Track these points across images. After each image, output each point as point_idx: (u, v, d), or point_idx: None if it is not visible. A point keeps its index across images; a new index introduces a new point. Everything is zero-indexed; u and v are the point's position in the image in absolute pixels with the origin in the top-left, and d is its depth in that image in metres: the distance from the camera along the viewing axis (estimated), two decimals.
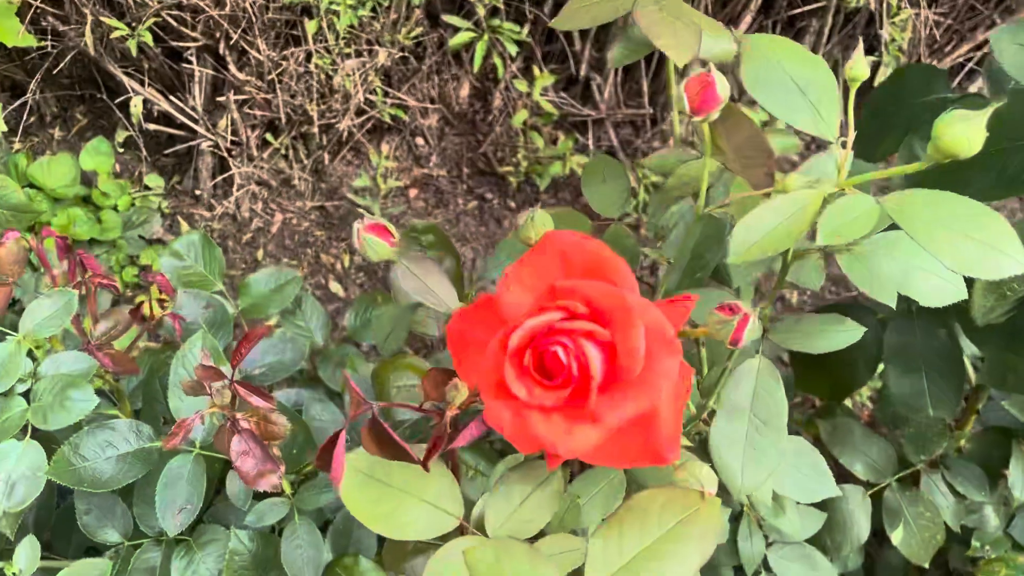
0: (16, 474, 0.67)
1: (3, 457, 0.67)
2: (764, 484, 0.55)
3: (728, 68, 0.51)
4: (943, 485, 0.93)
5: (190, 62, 1.57)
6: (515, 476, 0.48)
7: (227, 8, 1.47)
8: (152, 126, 1.66)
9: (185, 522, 0.72)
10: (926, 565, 0.94)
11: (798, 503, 0.85)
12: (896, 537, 0.92)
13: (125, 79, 1.59)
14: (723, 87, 0.44)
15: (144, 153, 1.74)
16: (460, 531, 0.48)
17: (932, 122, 0.69)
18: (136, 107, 1.55)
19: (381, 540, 0.79)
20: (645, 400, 0.40)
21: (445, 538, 0.47)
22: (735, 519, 0.83)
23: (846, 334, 0.52)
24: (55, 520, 0.86)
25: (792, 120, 0.45)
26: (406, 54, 1.74)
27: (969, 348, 0.87)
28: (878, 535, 1.18)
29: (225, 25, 1.50)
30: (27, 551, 0.71)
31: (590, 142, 1.87)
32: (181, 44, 1.55)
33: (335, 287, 1.71)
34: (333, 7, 1.44)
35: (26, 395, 0.70)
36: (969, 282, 0.66)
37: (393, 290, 0.61)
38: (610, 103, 1.87)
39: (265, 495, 0.75)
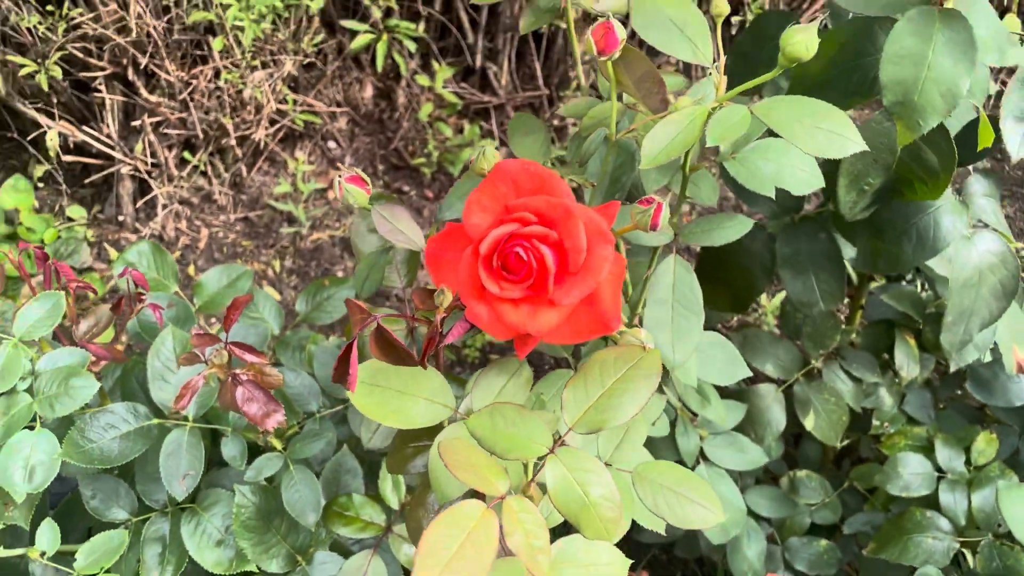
0: (34, 460, 0.74)
1: (19, 447, 0.74)
2: (690, 358, 0.67)
3: (623, 19, 0.62)
4: (841, 373, 1.08)
5: (99, 91, 1.61)
6: (492, 371, 0.59)
7: (132, 35, 1.52)
8: (69, 158, 1.69)
9: (190, 486, 0.79)
10: (837, 444, 1.08)
11: (723, 398, 0.98)
12: (809, 423, 1.06)
13: (36, 115, 1.62)
14: (620, 31, 0.55)
15: (63, 186, 1.77)
16: (452, 421, 0.57)
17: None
18: (52, 140, 1.58)
19: (367, 482, 0.88)
20: (592, 281, 0.51)
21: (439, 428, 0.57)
22: (672, 424, 0.96)
23: (739, 227, 0.64)
24: (55, 517, 0.92)
25: (676, 53, 0.57)
26: (311, 60, 1.82)
27: (848, 253, 1.01)
28: (797, 438, 1.33)
29: (131, 51, 1.55)
30: (48, 534, 0.77)
31: (494, 127, 1.98)
32: (88, 75, 1.59)
33: (270, 291, 1.77)
34: (237, 23, 1.51)
35: (29, 391, 0.76)
36: (833, 185, 0.80)
37: (356, 243, 0.70)
38: (508, 89, 1.98)
39: (259, 452, 0.83)
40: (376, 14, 1.76)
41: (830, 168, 0.81)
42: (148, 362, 0.88)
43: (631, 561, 0.54)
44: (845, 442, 1.31)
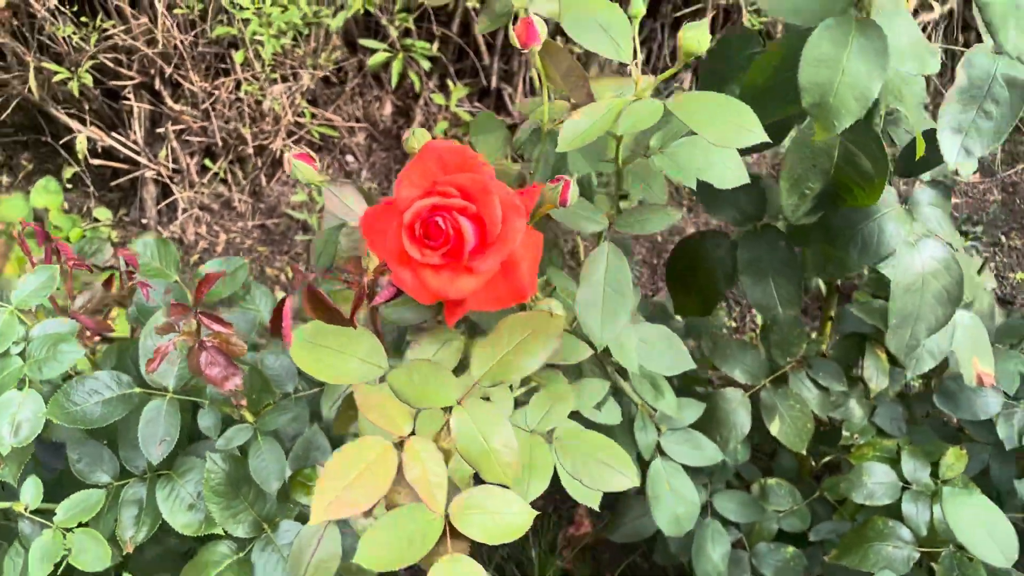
0: (20, 417, 0.80)
1: (7, 404, 0.80)
2: (618, 336, 0.71)
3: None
4: (808, 381, 1.10)
5: (128, 99, 1.71)
6: (426, 338, 0.64)
7: (159, 46, 1.61)
8: (97, 161, 1.78)
9: (165, 451, 0.85)
10: (803, 451, 1.10)
11: (690, 399, 1.02)
12: (774, 428, 1.09)
13: (68, 120, 1.72)
14: (541, 26, 0.60)
15: (91, 189, 1.87)
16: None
17: (746, 71, 0.86)
18: (81, 143, 1.68)
19: None
20: (505, 249, 0.56)
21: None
22: (631, 420, 0.99)
23: (664, 218, 0.69)
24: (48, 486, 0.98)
25: (599, 50, 0.62)
26: (330, 76, 1.90)
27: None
28: (773, 455, 1.35)
29: (159, 62, 1.64)
30: (31, 489, 0.83)
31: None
32: (119, 83, 1.69)
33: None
34: (257, 37, 1.60)
35: (21, 355, 0.83)
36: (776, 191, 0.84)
37: (325, 224, 0.76)
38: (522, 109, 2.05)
39: (232, 423, 0.88)
40: (393, 34, 1.84)
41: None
42: (140, 341, 0.94)
43: (536, 512, 0.58)
44: (827, 459, 1.33)
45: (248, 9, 1.52)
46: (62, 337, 0.82)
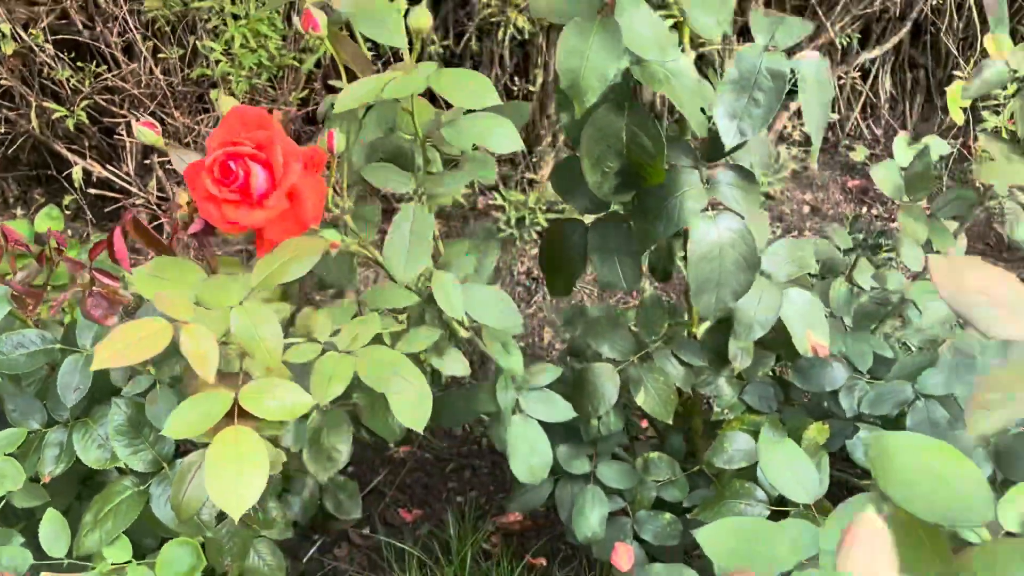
0: None
1: None
2: (443, 287, 0.86)
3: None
4: (672, 358, 1.22)
5: (121, 135, 1.92)
6: (252, 265, 0.79)
7: (145, 87, 1.83)
8: (93, 190, 1.99)
9: (78, 398, 1.01)
10: (669, 421, 1.22)
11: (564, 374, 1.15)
12: (640, 399, 1.20)
13: (70, 155, 1.94)
14: (320, 16, 0.76)
15: (89, 217, 2.08)
16: None
17: None
18: (76, 172, 1.89)
19: None
20: (285, 186, 0.71)
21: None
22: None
23: (461, 179, 0.84)
24: None
25: (378, 39, 0.77)
26: (311, 115, 2.10)
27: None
28: (663, 437, 1.46)
29: (146, 101, 1.86)
30: None
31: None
32: (113, 120, 1.90)
33: None
34: (229, 77, 1.80)
35: None
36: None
37: None
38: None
39: (138, 373, 1.04)
40: None
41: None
42: (79, 318, 1.11)
43: (313, 402, 0.72)
44: None
45: (216, 51, 1.72)
46: None
